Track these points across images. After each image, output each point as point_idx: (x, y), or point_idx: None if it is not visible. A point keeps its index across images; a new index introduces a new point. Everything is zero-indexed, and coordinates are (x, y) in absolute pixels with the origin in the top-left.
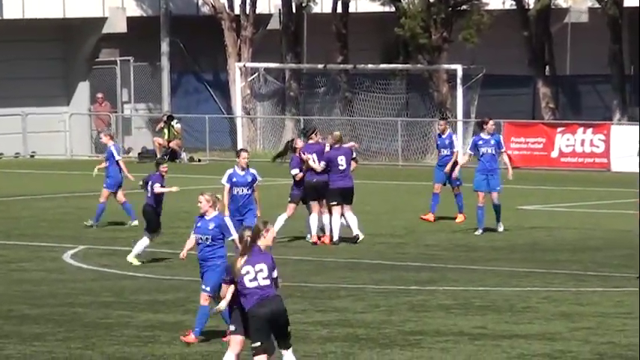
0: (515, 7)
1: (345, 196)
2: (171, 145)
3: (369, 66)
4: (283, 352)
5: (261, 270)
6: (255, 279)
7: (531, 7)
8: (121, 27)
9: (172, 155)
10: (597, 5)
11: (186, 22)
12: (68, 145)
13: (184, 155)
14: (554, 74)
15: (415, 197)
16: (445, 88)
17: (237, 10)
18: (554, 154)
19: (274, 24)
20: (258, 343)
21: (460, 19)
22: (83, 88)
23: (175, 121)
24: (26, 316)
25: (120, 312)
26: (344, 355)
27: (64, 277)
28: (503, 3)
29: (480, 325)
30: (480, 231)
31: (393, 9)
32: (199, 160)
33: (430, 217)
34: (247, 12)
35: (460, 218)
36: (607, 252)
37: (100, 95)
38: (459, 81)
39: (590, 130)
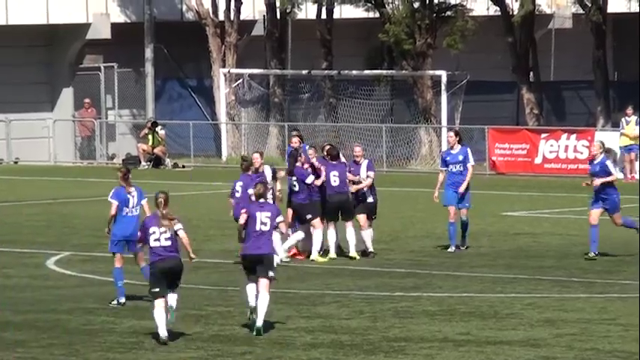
0: (499, 14)
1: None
2: (155, 151)
3: (354, 72)
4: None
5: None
6: (158, 239)
7: (515, 13)
8: (105, 33)
9: (157, 161)
10: (581, 11)
11: (171, 28)
12: (52, 151)
13: (168, 161)
14: (539, 80)
15: (400, 203)
16: (429, 94)
17: (221, 16)
18: (538, 160)
19: (259, 30)
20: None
21: (444, 25)
22: (67, 94)
23: (160, 127)
24: (9, 323)
25: (104, 318)
26: None
27: (48, 283)
28: (488, 9)
29: (464, 331)
30: (453, 248)
31: (377, 15)
32: (183, 167)
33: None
34: (232, 18)
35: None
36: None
37: (87, 100)
38: (443, 87)
39: (574, 136)
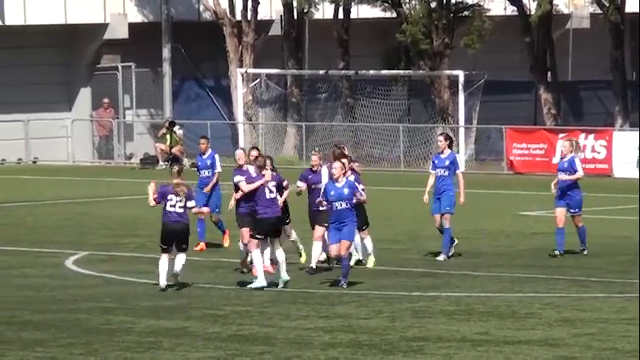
0: (516, 14)
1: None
2: (173, 151)
3: (371, 72)
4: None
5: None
6: (173, 206)
7: (533, 13)
8: (123, 33)
9: (174, 161)
10: (599, 11)
11: (188, 28)
12: (70, 150)
13: (186, 161)
14: (556, 80)
15: (417, 203)
16: (447, 94)
17: (238, 16)
18: (556, 159)
19: (276, 30)
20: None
21: (462, 25)
22: (85, 94)
23: (177, 127)
24: (28, 322)
25: (122, 318)
26: None
27: (66, 282)
28: (505, 9)
29: (483, 331)
30: (443, 257)
31: (394, 15)
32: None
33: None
34: (249, 18)
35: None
36: (609, 258)
37: (106, 100)
38: (460, 87)
39: (591, 136)
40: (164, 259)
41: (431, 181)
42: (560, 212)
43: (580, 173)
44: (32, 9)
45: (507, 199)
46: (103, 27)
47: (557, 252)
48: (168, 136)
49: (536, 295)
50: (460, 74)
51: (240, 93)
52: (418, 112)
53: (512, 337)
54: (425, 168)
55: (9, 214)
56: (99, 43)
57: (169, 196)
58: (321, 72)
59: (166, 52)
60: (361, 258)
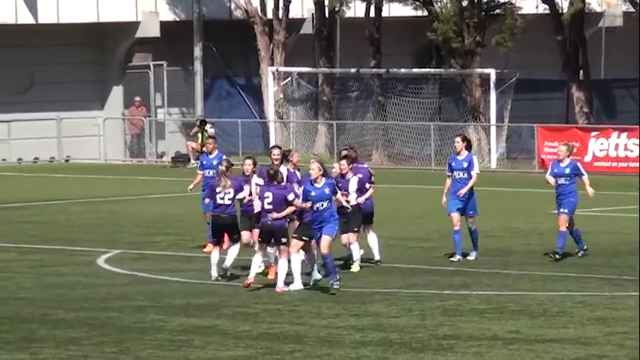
0: (548, 12)
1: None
2: (204, 149)
3: (402, 70)
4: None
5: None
6: (222, 198)
7: (565, 11)
8: (154, 31)
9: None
10: (632, 9)
11: (219, 27)
12: (102, 149)
13: None
14: (588, 78)
15: None
16: (478, 93)
17: (269, 15)
18: (588, 158)
19: (307, 28)
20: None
21: (493, 23)
22: (117, 93)
23: (209, 125)
24: (61, 320)
25: (153, 316)
26: None
27: (99, 281)
28: (537, 7)
29: (514, 329)
30: (458, 257)
31: (425, 13)
32: (232, 165)
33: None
34: (280, 16)
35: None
36: None
37: (137, 99)
38: (492, 85)
39: (624, 134)
40: (215, 252)
41: (448, 182)
42: (562, 217)
43: (586, 175)
44: (65, 7)
45: (539, 197)
46: (134, 25)
47: (557, 255)
48: (199, 135)
49: (568, 294)
50: (492, 72)
51: (271, 91)
52: (449, 111)
53: (543, 336)
54: None
55: (42, 212)
56: (131, 42)
57: (218, 189)
58: (353, 70)
59: (198, 51)
60: (355, 259)
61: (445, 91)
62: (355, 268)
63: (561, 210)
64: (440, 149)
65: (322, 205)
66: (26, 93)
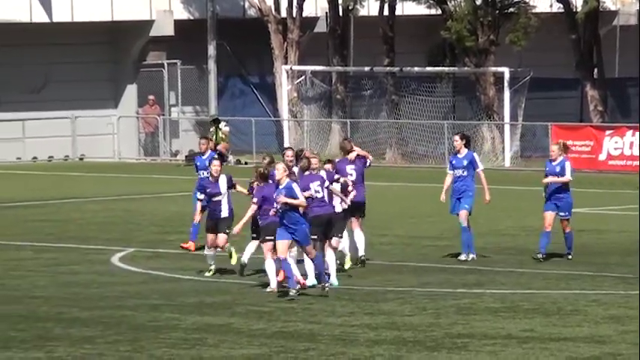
0: (562, 10)
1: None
2: (218, 147)
3: (416, 69)
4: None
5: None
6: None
7: (579, 9)
8: (169, 30)
9: (219, 158)
10: None
11: (233, 25)
12: (116, 147)
13: (231, 158)
14: (603, 77)
15: None
16: (492, 91)
17: (283, 13)
18: (603, 156)
19: (321, 27)
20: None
21: (507, 21)
22: (131, 91)
23: (223, 123)
24: (76, 319)
25: (168, 314)
26: (391, 358)
27: (113, 279)
28: (551, 6)
29: (528, 328)
30: (464, 256)
31: (439, 12)
32: (246, 163)
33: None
34: (294, 15)
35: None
36: None
37: (151, 97)
38: (506, 84)
39: (638, 133)
40: (254, 244)
41: (447, 180)
42: (550, 216)
43: (568, 177)
44: (79, 6)
45: None
46: (149, 24)
47: (540, 255)
48: (213, 133)
49: (582, 292)
50: (505, 71)
51: (284, 90)
52: (463, 109)
53: (557, 334)
54: None
55: (57, 211)
56: (145, 40)
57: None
58: (366, 69)
59: (212, 49)
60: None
61: (459, 90)
62: (347, 264)
63: (553, 208)
64: (453, 148)
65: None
66: (40, 92)
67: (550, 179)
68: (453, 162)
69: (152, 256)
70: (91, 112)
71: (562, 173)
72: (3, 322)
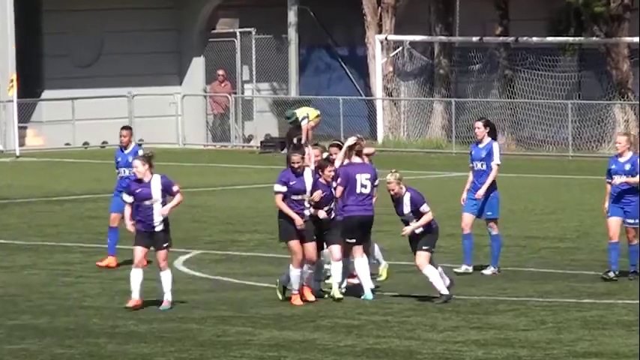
0: None
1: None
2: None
3: (534, 39)
4: None
5: None
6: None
7: None
8: None
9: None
10: None
11: None
12: (180, 131)
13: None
14: None
15: (589, 194)
16: (626, 66)
17: None
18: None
19: None
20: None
21: None
22: (197, 65)
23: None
24: (132, 333)
25: (239, 328)
26: None
27: (176, 287)
28: None
29: None
30: (465, 267)
31: None
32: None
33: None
34: None
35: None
36: None
37: (220, 72)
38: None
39: None
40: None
41: (471, 176)
42: (616, 223)
43: None
44: None
45: None
46: None
47: (611, 273)
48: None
49: None
50: None
51: (378, 64)
52: (591, 87)
53: None
54: (598, 153)
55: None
56: (214, 5)
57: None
58: (475, 39)
59: (292, 16)
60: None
61: (586, 64)
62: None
63: (620, 214)
64: (579, 132)
65: None
66: (92, 65)
67: (619, 180)
68: (472, 152)
69: (221, 260)
70: (151, 90)
71: (632, 172)
72: (49, 336)
